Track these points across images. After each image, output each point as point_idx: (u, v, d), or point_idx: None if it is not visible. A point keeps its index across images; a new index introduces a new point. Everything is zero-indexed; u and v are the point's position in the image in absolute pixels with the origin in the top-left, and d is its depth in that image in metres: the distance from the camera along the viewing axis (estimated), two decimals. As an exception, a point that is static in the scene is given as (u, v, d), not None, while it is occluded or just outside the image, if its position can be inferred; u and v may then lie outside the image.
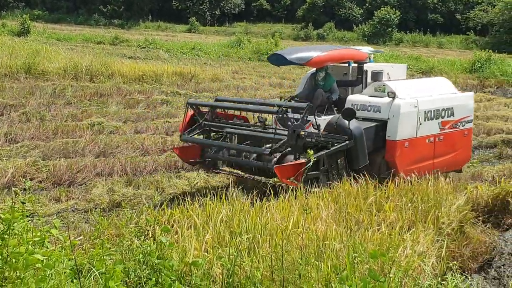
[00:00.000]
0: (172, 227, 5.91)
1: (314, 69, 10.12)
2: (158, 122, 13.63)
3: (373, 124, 8.94)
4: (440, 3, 54.69)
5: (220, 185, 9.42)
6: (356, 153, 8.43)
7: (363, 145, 8.49)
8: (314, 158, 7.35)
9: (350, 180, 7.90)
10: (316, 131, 8.27)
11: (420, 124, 9.24)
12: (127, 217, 6.14)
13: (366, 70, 10.14)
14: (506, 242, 8.08)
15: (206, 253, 5.35)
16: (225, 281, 4.68)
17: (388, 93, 9.02)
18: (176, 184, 9.27)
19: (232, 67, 25.48)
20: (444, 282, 4.70)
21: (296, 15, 56.77)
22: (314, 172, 7.95)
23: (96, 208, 7.94)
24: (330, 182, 8.01)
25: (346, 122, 8.32)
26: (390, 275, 3.57)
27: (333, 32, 50.67)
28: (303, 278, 4.41)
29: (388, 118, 8.93)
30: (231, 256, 4.78)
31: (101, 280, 3.96)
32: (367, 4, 56.21)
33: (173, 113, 14.85)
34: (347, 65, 10.45)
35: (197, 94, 18.03)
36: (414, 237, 6.31)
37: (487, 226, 8.24)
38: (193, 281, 4.66)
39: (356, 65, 10.20)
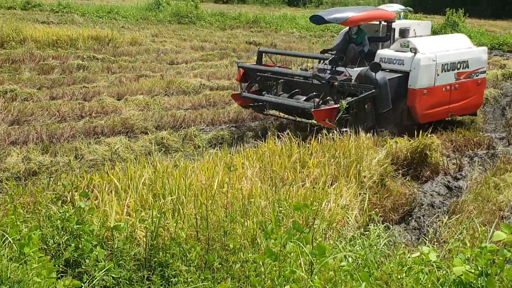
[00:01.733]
0: (92, 193, 5.71)
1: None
2: (74, 88, 13.07)
3: (397, 75, 10.40)
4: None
5: (143, 150, 9.20)
6: (381, 99, 9.90)
7: (387, 92, 9.95)
8: (346, 105, 9.13)
9: (275, 139, 7.95)
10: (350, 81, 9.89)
11: (438, 75, 10.67)
12: (44, 184, 5.87)
13: (394, 28, 11.56)
14: (425, 193, 8.37)
15: (128, 217, 5.20)
16: (149, 244, 4.56)
17: (410, 48, 10.44)
18: (96, 150, 8.94)
19: (152, 31, 24.79)
20: (366, 233, 4.77)
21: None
22: (345, 115, 9.38)
23: (10, 177, 7.54)
24: (359, 124, 9.38)
25: (373, 73, 9.73)
26: (314, 226, 3.57)
27: (253, -6, 50.29)
28: (228, 235, 4.36)
29: (410, 70, 10.38)
30: (154, 219, 4.66)
31: (16, 247, 3.74)
32: (287, -34, 56.06)
33: (90, 78, 14.31)
34: (378, 23, 11.81)
35: (115, 58, 17.44)
36: (337, 191, 6.41)
37: (407, 178, 8.51)
38: (116, 245, 4.52)
39: (385, 23, 11.67)
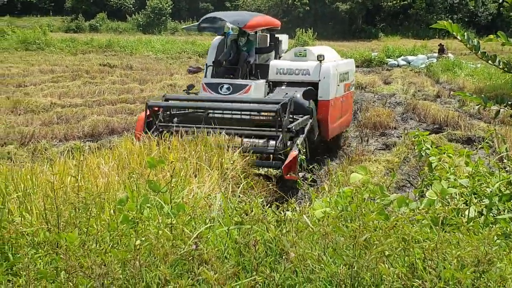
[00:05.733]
0: None
1: (222, 37, 10.46)
2: None
3: (307, 88, 9.02)
4: (210, -8, 56.55)
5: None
6: (313, 127, 8.71)
7: (315, 118, 8.91)
8: (303, 149, 7.57)
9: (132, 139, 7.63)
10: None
11: (338, 85, 9.77)
12: None
13: (278, 38, 10.61)
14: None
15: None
16: (-9, 239, 4.06)
17: (317, 56, 9.36)
18: None
19: (-5, 58, 23.36)
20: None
21: (64, 6, 54.20)
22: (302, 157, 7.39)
23: None
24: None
25: (307, 101, 8.66)
26: (172, 186, 3.34)
27: (106, 22, 49.37)
28: (83, 221, 3.99)
29: (319, 80, 9.34)
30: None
31: None
32: (138, -6, 55.89)
33: None
34: (253, 33, 10.57)
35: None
36: (200, 181, 6.24)
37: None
38: (-50, 245, 3.96)
39: (268, 33, 10.63)
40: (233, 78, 9.55)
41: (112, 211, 4.51)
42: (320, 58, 9.34)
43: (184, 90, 10.21)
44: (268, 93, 9.65)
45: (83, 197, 4.61)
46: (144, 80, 18.51)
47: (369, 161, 9.39)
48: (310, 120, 8.52)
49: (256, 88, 9.27)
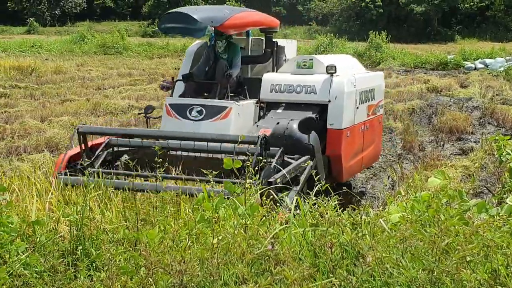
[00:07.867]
0: (13, 194, 5.34)
1: (204, 41, 8.15)
2: (-4, 113, 12.60)
3: (309, 114, 6.85)
4: (282, -4, 56.82)
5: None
6: (316, 169, 6.16)
7: (320, 157, 6.49)
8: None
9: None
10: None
11: (357, 108, 7.32)
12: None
13: (276, 42, 7.98)
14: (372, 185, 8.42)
15: (52, 213, 4.88)
16: (74, 235, 4.25)
17: (327, 67, 6.88)
18: (18, 167, 8.49)
19: (77, 61, 24.35)
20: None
21: (141, 12, 55.91)
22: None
23: None
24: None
25: (305, 135, 6.23)
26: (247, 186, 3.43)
27: (181, 27, 50.51)
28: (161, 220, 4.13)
29: (329, 101, 6.92)
30: (79, 211, 4.37)
31: None
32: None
33: (12, 104, 13.99)
34: (244, 37, 8.34)
35: (38, 87, 16.93)
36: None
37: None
38: (38, 240, 4.18)
39: (262, 37, 8.16)
40: (209, 97, 7.18)
41: (188, 210, 4.64)
42: (330, 70, 6.86)
43: (139, 113, 8.49)
44: (259, 119, 7.28)
45: (160, 196, 4.78)
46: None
47: (444, 166, 9.18)
48: (311, 163, 5.97)
49: (239, 112, 6.86)
